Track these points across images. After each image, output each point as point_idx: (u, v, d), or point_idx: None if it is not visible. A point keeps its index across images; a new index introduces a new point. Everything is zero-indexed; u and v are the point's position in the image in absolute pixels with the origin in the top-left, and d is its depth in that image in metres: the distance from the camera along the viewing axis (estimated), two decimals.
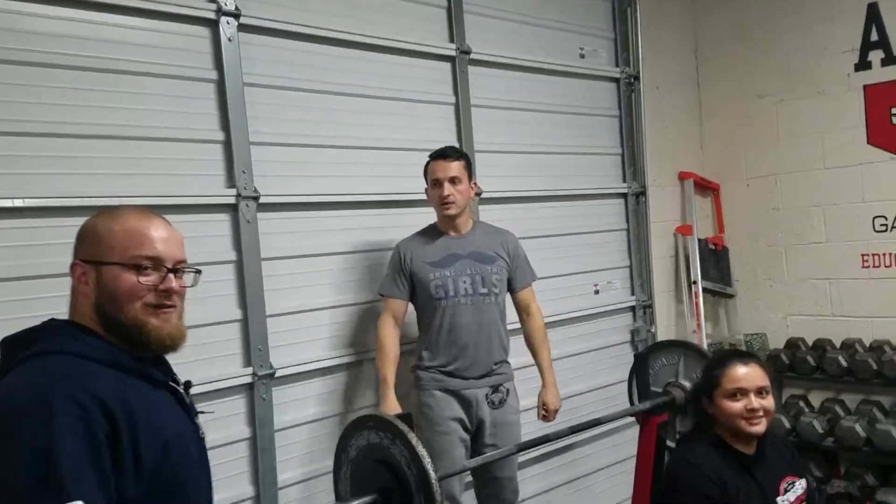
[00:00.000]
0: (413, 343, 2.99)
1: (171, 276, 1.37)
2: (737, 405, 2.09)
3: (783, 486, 2.12)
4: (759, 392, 2.10)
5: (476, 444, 2.82)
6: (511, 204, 3.55)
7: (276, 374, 2.69)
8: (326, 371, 2.88)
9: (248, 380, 2.62)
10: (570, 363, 3.77)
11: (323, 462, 2.77)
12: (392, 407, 2.68)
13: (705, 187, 4.63)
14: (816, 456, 4.06)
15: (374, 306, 2.98)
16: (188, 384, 1.47)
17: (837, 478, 4.05)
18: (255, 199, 2.64)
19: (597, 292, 4.03)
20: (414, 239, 2.86)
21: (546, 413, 2.94)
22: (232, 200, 2.60)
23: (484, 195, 3.35)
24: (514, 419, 2.90)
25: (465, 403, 2.78)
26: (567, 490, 3.75)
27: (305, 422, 2.82)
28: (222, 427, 2.56)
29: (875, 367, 3.93)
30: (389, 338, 2.76)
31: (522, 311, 2.98)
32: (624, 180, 4.15)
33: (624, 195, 4.16)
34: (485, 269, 2.82)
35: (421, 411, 2.78)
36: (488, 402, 2.80)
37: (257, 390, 2.62)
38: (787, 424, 4.20)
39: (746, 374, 2.11)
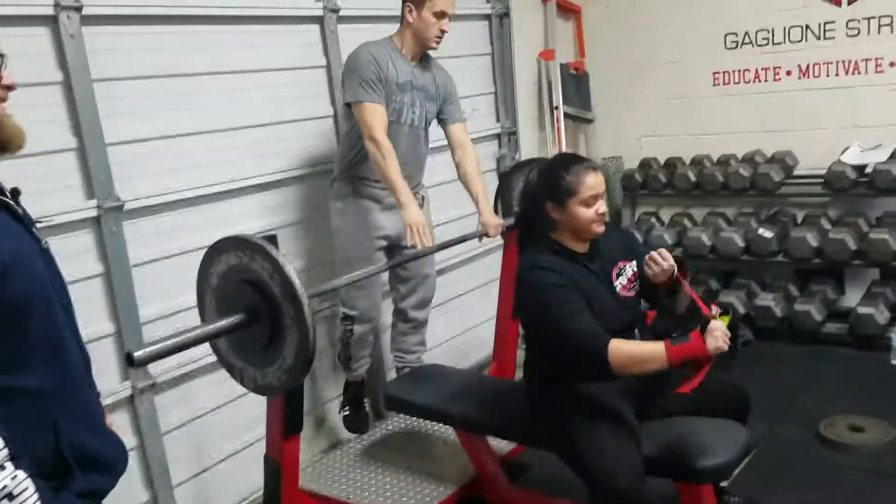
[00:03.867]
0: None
1: None
2: (590, 211, 2.16)
3: (615, 272, 2.26)
4: (603, 196, 2.21)
5: (396, 250, 2.99)
6: (369, 24, 3.35)
7: (126, 207, 2.50)
8: (183, 203, 2.72)
9: (94, 213, 2.42)
10: (439, 191, 3.76)
11: (189, 296, 2.66)
12: (418, 213, 2.66)
13: (567, 9, 4.58)
14: None
15: (237, 133, 2.88)
16: (16, 192, 1.31)
17: None
18: (78, 8, 2.33)
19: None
20: (382, 49, 2.81)
21: (487, 231, 2.97)
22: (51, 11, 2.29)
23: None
24: (429, 220, 3.01)
25: (391, 209, 2.87)
26: (440, 311, 3.86)
27: (166, 256, 2.67)
28: (71, 263, 2.36)
29: (721, 179, 4.19)
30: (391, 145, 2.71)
31: (458, 146, 3.01)
32: (487, 0, 4.01)
33: (488, 16, 4.03)
34: (429, 108, 2.94)
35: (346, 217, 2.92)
36: None
37: (105, 224, 2.44)
38: (640, 239, 4.47)
39: (596, 180, 2.17)
